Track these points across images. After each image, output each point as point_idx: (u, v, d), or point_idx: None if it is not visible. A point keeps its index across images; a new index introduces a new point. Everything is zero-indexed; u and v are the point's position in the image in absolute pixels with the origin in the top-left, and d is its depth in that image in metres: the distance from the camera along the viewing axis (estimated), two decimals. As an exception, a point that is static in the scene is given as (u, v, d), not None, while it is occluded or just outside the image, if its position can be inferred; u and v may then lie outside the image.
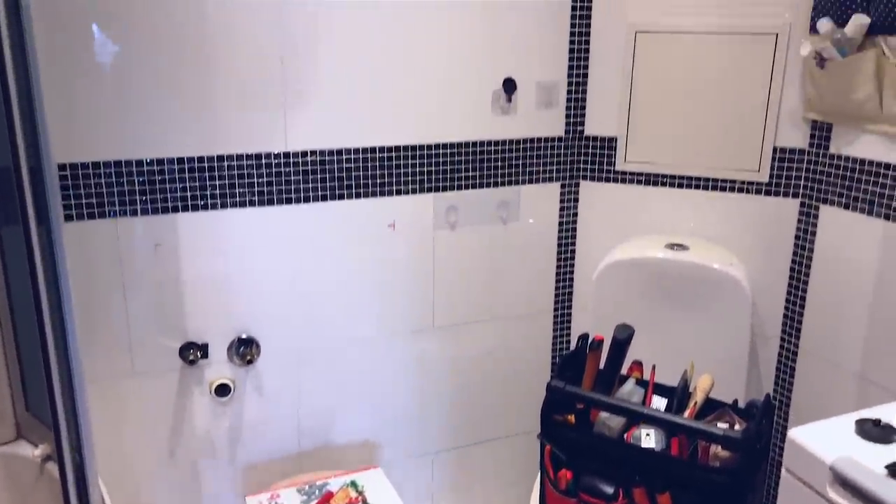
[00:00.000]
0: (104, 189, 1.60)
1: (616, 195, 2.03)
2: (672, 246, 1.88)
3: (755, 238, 1.91)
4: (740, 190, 1.89)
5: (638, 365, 1.73)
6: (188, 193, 1.67)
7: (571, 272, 2.13)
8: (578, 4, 1.91)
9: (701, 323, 1.85)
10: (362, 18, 1.72)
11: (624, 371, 1.68)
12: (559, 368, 1.65)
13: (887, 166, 1.61)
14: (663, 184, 1.97)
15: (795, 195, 1.84)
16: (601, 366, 1.65)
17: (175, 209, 1.67)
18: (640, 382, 1.68)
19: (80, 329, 1.62)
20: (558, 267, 2.11)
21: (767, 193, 1.87)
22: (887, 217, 1.62)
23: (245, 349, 1.80)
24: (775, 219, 1.87)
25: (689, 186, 1.94)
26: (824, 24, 1.59)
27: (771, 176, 1.85)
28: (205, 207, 1.69)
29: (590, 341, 1.65)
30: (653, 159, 1.96)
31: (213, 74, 1.62)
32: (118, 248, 1.64)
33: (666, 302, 1.88)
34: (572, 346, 2.13)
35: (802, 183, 1.82)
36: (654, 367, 1.68)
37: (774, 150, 1.83)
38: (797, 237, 1.86)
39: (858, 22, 1.54)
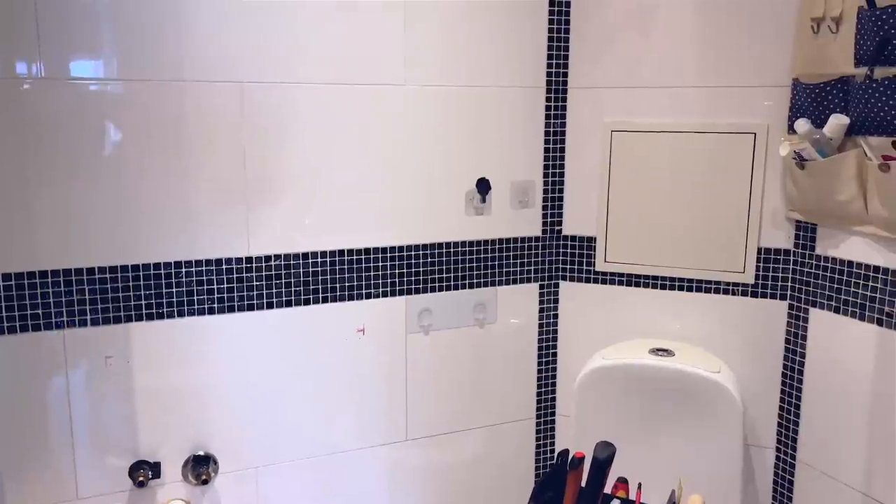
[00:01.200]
0: (50, 299, 1.51)
1: (597, 296, 1.95)
2: (656, 351, 1.79)
3: (743, 342, 1.82)
4: (725, 291, 1.82)
5: (623, 483, 1.60)
6: (142, 302, 1.58)
7: (553, 377, 2.02)
8: (553, 104, 1.88)
9: (690, 434, 1.74)
10: (330, 113, 1.68)
11: (608, 489, 1.56)
12: (538, 489, 1.53)
13: (876, 269, 1.53)
14: (645, 284, 1.89)
15: (783, 297, 1.76)
16: (583, 484, 1.52)
17: (128, 318, 1.57)
18: (626, 502, 1.55)
19: (18, 452, 1.52)
20: (539, 371, 2.01)
21: (754, 295, 1.79)
22: (879, 322, 1.53)
23: (201, 467, 1.67)
24: (763, 322, 1.79)
25: (671, 287, 1.87)
26: (802, 125, 1.55)
27: (757, 277, 1.78)
28: (160, 316, 1.60)
29: (570, 458, 1.53)
30: (633, 259, 1.89)
31: (168, 174, 1.56)
32: (64, 361, 1.53)
33: (652, 411, 1.77)
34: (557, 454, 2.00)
35: (790, 285, 1.75)
36: (639, 486, 1.56)
37: (759, 250, 1.76)
38: (787, 341, 1.77)
39: (837, 122, 1.50)
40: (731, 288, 1.81)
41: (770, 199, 1.74)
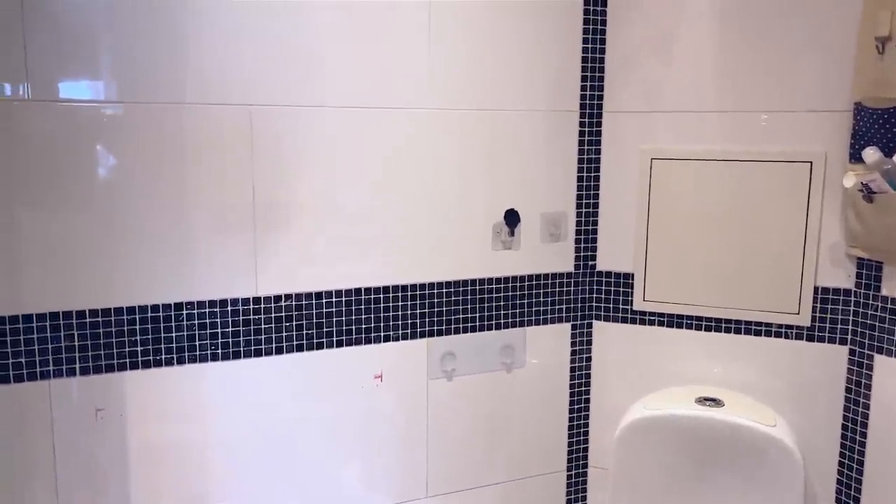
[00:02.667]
0: (35, 346, 1.35)
1: (634, 338, 1.78)
2: (704, 400, 1.63)
3: (797, 391, 1.65)
4: (777, 334, 1.66)
5: (673, 552, 1.44)
6: (138, 348, 1.42)
7: (586, 426, 1.85)
8: (587, 129, 1.73)
9: (742, 493, 1.57)
10: (346, 139, 1.53)
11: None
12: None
13: (955, 314, 1.38)
14: (688, 326, 1.73)
15: (843, 342, 1.60)
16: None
17: (122, 367, 1.42)
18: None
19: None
20: (571, 420, 1.84)
21: (810, 339, 1.63)
22: (960, 373, 1.37)
23: (201, 531, 1.50)
24: (820, 369, 1.63)
25: (717, 329, 1.71)
26: (871, 154, 1.40)
27: (813, 319, 1.62)
28: (158, 364, 1.44)
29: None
30: (675, 298, 1.73)
31: (168, 206, 1.41)
32: (50, 415, 1.37)
33: (700, 467, 1.60)
34: (588, 510, 1.84)
35: (850, 328, 1.59)
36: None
37: (816, 289, 1.61)
38: (848, 390, 1.60)
39: (911, 152, 1.35)
40: (784, 331, 1.65)
41: (828, 234, 1.58)
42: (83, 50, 1.32)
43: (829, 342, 1.61)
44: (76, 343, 1.38)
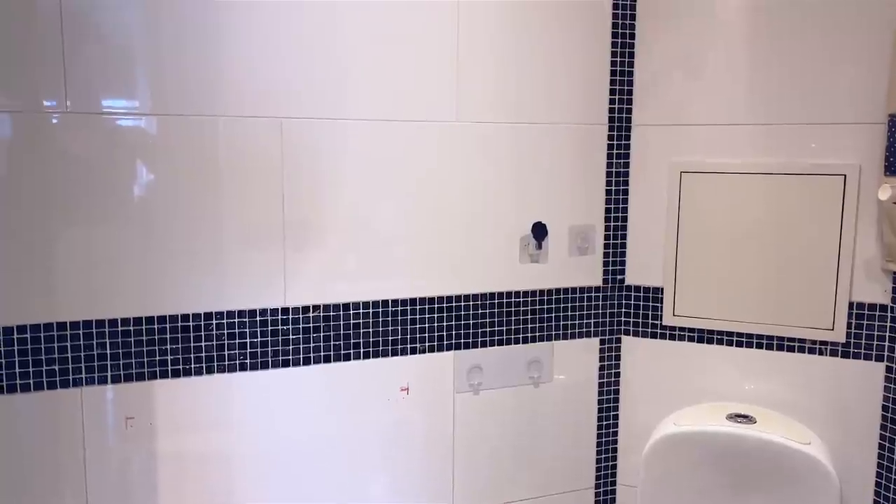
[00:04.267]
0: (69, 353, 1.37)
1: (664, 353, 1.76)
2: (735, 417, 1.60)
3: (832, 408, 1.61)
4: (811, 350, 1.62)
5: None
6: (168, 357, 1.43)
7: (615, 442, 1.83)
8: (616, 142, 1.73)
9: (776, 513, 1.54)
10: (376, 151, 1.54)
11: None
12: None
13: None
14: (718, 341, 1.70)
15: (879, 358, 1.56)
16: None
17: (152, 376, 1.43)
18: None
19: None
20: (599, 436, 1.81)
21: (845, 356, 1.59)
22: None
23: (227, 541, 1.51)
24: (856, 385, 1.59)
25: (748, 345, 1.68)
26: (907, 166, 1.38)
27: (848, 335, 1.58)
28: (188, 373, 1.45)
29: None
30: (705, 313, 1.71)
31: (199, 216, 1.43)
32: (81, 422, 1.39)
33: (731, 485, 1.57)
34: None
35: (887, 344, 1.55)
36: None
37: (850, 305, 1.57)
38: (885, 409, 1.56)
39: (948, 164, 1.33)
40: (818, 347, 1.62)
41: (863, 248, 1.55)
42: (120, 63, 1.35)
43: (864, 359, 1.58)
44: (108, 351, 1.39)
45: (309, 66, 1.47)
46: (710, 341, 1.71)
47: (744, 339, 1.68)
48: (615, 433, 1.83)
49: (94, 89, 1.33)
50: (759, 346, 1.67)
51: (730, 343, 1.69)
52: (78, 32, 1.31)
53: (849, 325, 1.58)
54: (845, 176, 1.55)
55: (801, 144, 1.59)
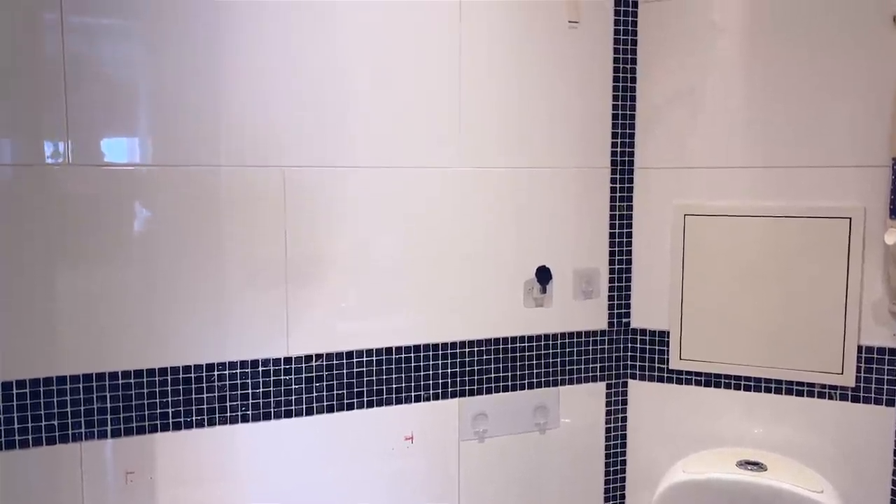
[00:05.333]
0: (68, 408, 1.35)
1: (671, 397, 1.74)
2: (745, 464, 1.57)
3: (842, 454, 1.59)
4: (821, 395, 1.60)
5: None
6: (169, 410, 1.41)
7: (622, 489, 1.80)
8: (618, 185, 1.72)
9: (790, 564, 1.50)
10: (379, 198, 1.54)
11: None
12: None
13: None
14: (726, 385, 1.68)
15: (890, 403, 1.54)
16: None
17: (153, 429, 1.41)
18: None
19: None
20: (607, 483, 1.78)
21: (854, 400, 1.57)
22: None
23: None
24: (866, 431, 1.56)
25: (756, 389, 1.66)
26: (913, 211, 1.37)
27: (857, 379, 1.56)
28: (188, 426, 1.43)
29: None
30: (712, 357, 1.69)
31: (201, 270, 1.42)
32: (81, 477, 1.36)
33: (743, 534, 1.54)
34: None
35: (898, 389, 1.54)
36: None
37: (859, 348, 1.56)
38: (898, 454, 1.54)
39: (955, 208, 1.32)
40: (827, 391, 1.60)
41: (871, 291, 1.54)
42: (122, 114, 1.35)
43: (875, 403, 1.56)
44: (108, 405, 1.37)
45: (311, 114, 1.47)
46: (717, 385, 1.69)
47: (752, 383, 1.66)
48: (623, 479, 1.80)
49: (95, 141, 1.33)
50: (768, 389, 1.65)
51: (738, 387, 1.67)
52: (79, 82, 1.31)
53: (858, 369, 1.56)
54: (851, 219, 1.54)
55: (805, 187, 1.59)
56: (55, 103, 1.30)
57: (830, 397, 1.59)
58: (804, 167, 1.59)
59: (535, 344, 1.69)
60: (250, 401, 1.47)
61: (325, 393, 1.53)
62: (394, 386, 1.58)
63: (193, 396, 1.43)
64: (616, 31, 1.69)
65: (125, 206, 1.36)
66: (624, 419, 1.79)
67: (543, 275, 1.68)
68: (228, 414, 1.46)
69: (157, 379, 1.40)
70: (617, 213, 1.73)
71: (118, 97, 1.34)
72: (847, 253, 1.55)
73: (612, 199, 1.73)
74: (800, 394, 1.62)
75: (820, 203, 1.57)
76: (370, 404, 1.56)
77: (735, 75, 1.63)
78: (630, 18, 1.70)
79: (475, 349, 1.64)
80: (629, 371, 1.78)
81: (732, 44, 1.64)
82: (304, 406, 1.51)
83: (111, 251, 1.36)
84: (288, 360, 1.49)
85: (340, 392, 1.54)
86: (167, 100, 1.37)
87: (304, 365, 1.50)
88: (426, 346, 1.60)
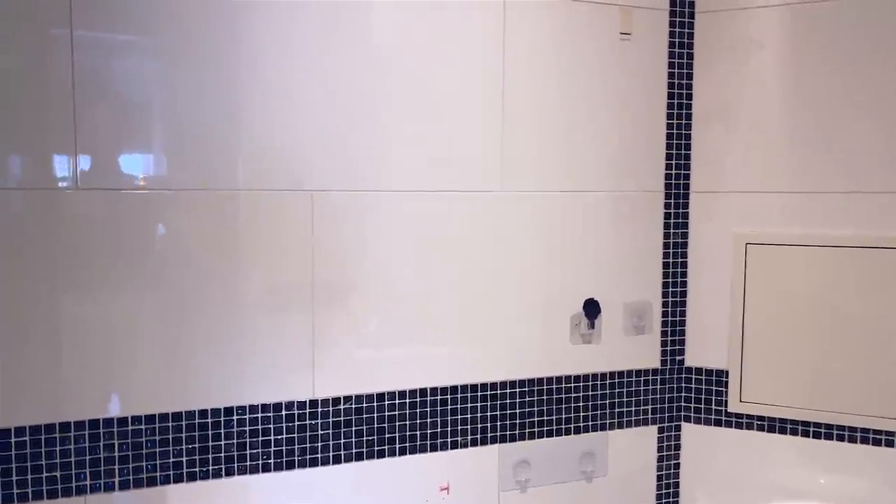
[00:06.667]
0: (72, 458, 1.21)
1: (729, 443, 1.59)
2: (817, 521, 1.42)
3: (926, 510, 1.44)
4: (893, 444, 1.45)
5: None
6: (183, 458, 1.28)
7: (676, 544, 1.65)
8: (673, 211, 1.59)
9: None
10: (412, 227, 1.41)
11: None
12: None
13: None
14: (792, 431, 1.53)
15: (980, 456, 1.39)
16: None
17: (165, 480, 1.27)
18: None
19: None
20: (658, 536, 1.64)
21: (938, 451, 1.42)
22: None
23: None
24: (954, 486, 1.42)
25: (826, 436, 1.51)
26: None
27: (942, 429, 1.42)
28: (204, 476, 1.30)
29: None
30: (776, 399, 1.54)
31: (221, 300, 1.29)
32: (85, 535, 1.23)
33: None
34: None
35: None
36: None
37: (945, 395, 1.41)
38: None
39: None
40: (905, 440, 1.45)
41: (959, 332, 1.39)
42: (135, 135, 1.23)
43: (962, 455, 1.41)
44: (116, 454, 1.24)
45: (344, 134, 1.34)
46: (782, 431, 1.54)
47: (822, 430, 1.51)
48: (676, 532, 1.65)
49: (106, 163, 1.21)
50: (839, 437, 1.50)
51: (805, 433, 1.53)
52: (90, 98, 1.19)
53: (943, 418, 1.42)
54: (934, 250, 1.40)
55: (879, 214, 1.44)
56: (64, 124, 1.18)
57: (910, 447, 1.44)
58: (873, 193, 1.45)
59: (581, 384, 1.55)
60: (272, 448, 1.34)
61: (353, 439, 1.39)
62: (428, 431, 1.44)
63: (210, 444, 1.30)
64: (671, 44, 1.56)
65: (137, 234, 1.24)
66: (677, 466, 1.64)
67: (591, 308, 1.54)
68: (248, 463, 1.32)
69: (170, 424, 1.27)
70: (671, 241, 1.60)
71: (131, 117, 1.22)
72: (930, 288, 1.41)
73: (667, 227, 1.59)
74: (876, 442, 1.47)
75: (893, 233, 1.43)
76: (403, 451, 1.43)
77: (806, 95, 1.49)
78: (686, 30, 1.57)
79: (517, 390, 1.50)
80: (683, 413, 1.63)
81: (804, 56, 1.50)
82: (330, 454, 1.37)
83: (121, 283, 1.23)
84: (314, 402, 1.36)
85: (370, 438, 1.40)
86: (183, 120, 1.25)
87: (331, 408, 1.37)
88: (463, 388, 1.47)
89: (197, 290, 1.27)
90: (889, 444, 1.46)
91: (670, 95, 1.57)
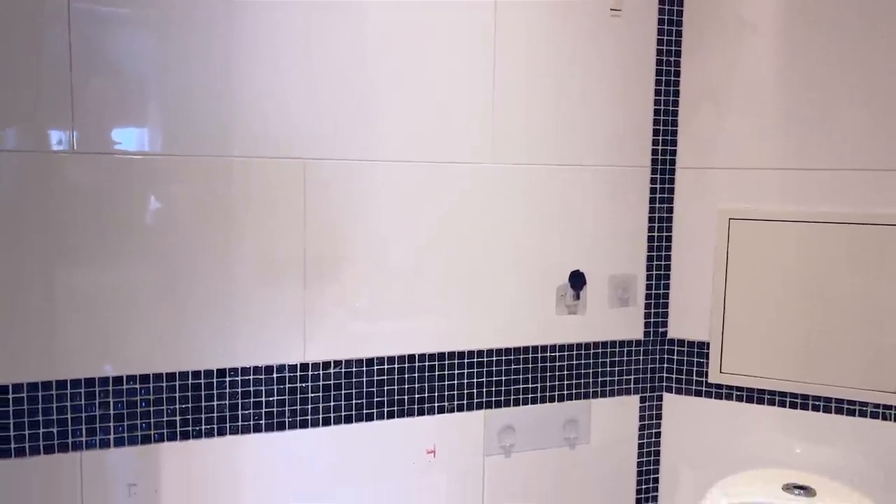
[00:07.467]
0: (68, 414, 1.25)
1: (709, 413, 1.63)
2: (792, 488, 1.46)
3: (895, 478, 1.49)
4: (874, 415, 1.49)
5: None
6: (176, 418, 1.31)
7: (655, 510, 1.70)
8: (659, 186, 1.62)
9: None
10: (405, 195, 1.44)
11: None
12: None
13: None
14: (769, 401, 1.58)
15: (951, 426, 1.44)
16: None
17: (158, 438, 1.31)
18: None
19: None
20: (638, 502, 1.68)
21: (912, 422, 1.47)
22: None
23: None
24: (925, 455, 1.46)
25: (805, 407, 1.55)
26: None
27: (916, 400, 1.46)
28: (197, 435, 1.33)
29: None
30: (756, 370, 1.58)
31: (215, 266, 1.32)
32: (80, 490, 1.27)
33: (789, 564, 1.43)
34: None
35: (960, 411, 1.43)
36: None
37: (919, 367, 1.45)
38: (958, 482, 1.43)
39: None
40: (881, 411, 1.49)
41: (933, 306, 1.43)
42: (131, 101, 1.25)
43: (935, 426, 1.45)
44: (111, 412, 1.28)
45: (337, 104, 1.37)
46: (760, 401, 1.59)
47: (798, 400, 1.55)
48: (655, 499, 1.69)
49: (102, 129, 1.23)
50: (816, 408, 1.54)
51: (782, 404, 1.57)
52: (86, 67, 1.21)
53: (916, 389, 1.46)
54: (912, 227, 1.43)
55: (862, 191, 1.48)
56: (60, 89, 1.20)
57: (885, 417, 1.48)
58: (857, 170, 1.48)
59: (566, 353, 1.59)
60: (263, 409, 1.37)
61: (342, 402, 1.43)
62: (416, 396, 1.48)
63: (203, 404, 1.33)
64: (661, 21, 1.58)
65: (132, 198, 1.26)
66: (658, 435, 1.68)
67: (577, 280, 1.58)
68: (240, 423, 1.36)
69: (164, 384, 1.30)
70: (657, 215, 1.63)
71: (125, 82, 1.24)
72: (907, 263, 1.45)
73: (652, 202, 1.62)
74: (850, 413, 1.51)
75: (877, 209, 1.46)
76: (391, 415, 1.46)
77: (783, 71, 1.52)
78: (676, 7, 1.59)
79: (503, 358, 1.54)
80: (665, 384, 1.67)
81: (788, 35, 1.52)
82: (320, 416, 1.41)
83: (116, 246, 1.26)
84: (304, 366, 1.39)
85: (360, 402, 1.44)
86: (177, 85, 1.27)
87: (321, 372, 1.40)
88: (451, 354, 1.50)
89: (190, 257, 1.30)
90: (863, 414, 1.50)
91: (658, 72, 1.60)
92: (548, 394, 1.58)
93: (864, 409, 1.50)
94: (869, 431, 1.50)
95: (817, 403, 1.54)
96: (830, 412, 1.53)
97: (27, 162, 1.20)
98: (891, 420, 1.48)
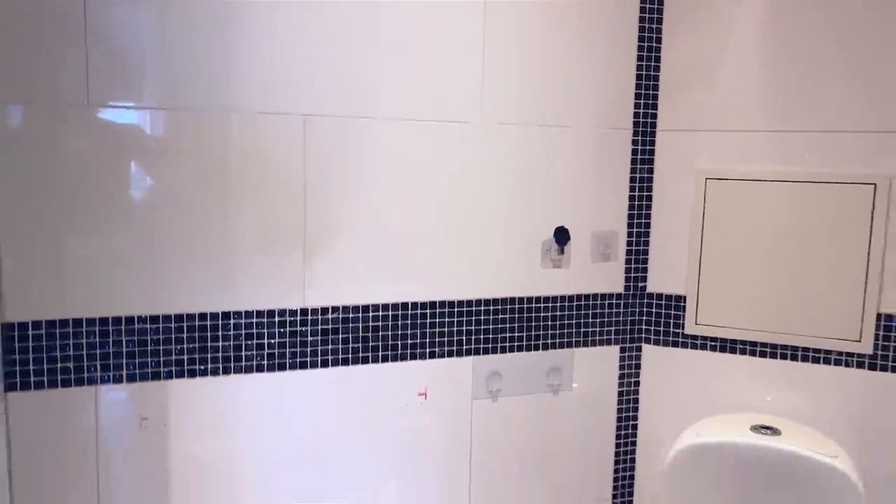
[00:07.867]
0: (83, 351, 1.34)
1: (685, 362, 1.73)
2: (759, 429, 1.57)
3: (858, 421, 1.58)
4: (837, 362, 1.59)
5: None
6: (185, 357, 1.41)
7: (633, 452, 1.80)
8: (640, 147, 1.70)
9: (801, 528, 1.50)
10: (400, 151, 1.52)
11: None
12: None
13: None
14: (741, 351, 1.68)
15: (907, 371, 1.54)
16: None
17: (168, 375, 1.40)
18: None
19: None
20: (618, 447, 1.78)
21: (872, 367, 1.56)
22: None
23: (240, 547, 1.47)
24: (883, 399, 1.56)
25: (773, 355, 1.65)
26: (943, 175, 1.35)
27: (875, 347, 1.55)
28: (204, 373, 1.42)
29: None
30: (729, 322, 1.68)
31: (218, 214, 1.40)
32: (97, 421, 1.36)
33: (754, 499, 1.54)
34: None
35: (916, 357, 1.53)
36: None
37: (878, 316, 1.55)
38: (914, 423, 1.54)
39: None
40: (844, 358, 1.59)
41: (893, 259, 1.53)
42: (126, 54, 1.32)
43: (892, 371, 1.55)
44: (123, 349, 1.37)
45: (336, 60, 1.44)
46: (732, 351, 1.68)
47: (767, 350, 1.65)
48: (634, 443, 1.80)
49: (105, 84, 1.31)
50: (784, 356, 1.64)
51: (753, 353, 1.67)
52: (92, 20, 1.29)
53: (876, 337, 1.55)
54: (875, 185, 1.53)
55: (830, 153, 1.57)
56: (76, 47, 1.28)
57: (847, 364, 1.59)
58: (829, 132, 1.56)
59: (550, 305, 1.68)
60: (265, 350, 1.46)
61: (339, 346, 1.52)
62: (409, 342, 1.57)
63: (209, 344, 1.42)
64: (645, -13, 1.66)
65: (133, 151, 1.34)
66: (637, 383, 1.78)
67: (562, 236, 1.67)
68: (243, 363, 1.45)
69: (172, 325, 1.39)
70: (638, 175, 1.72)
71: (122, 35, 1.32)
72: (871, 220, 1.54)
73: (633, 162, 1.71)
74: (816, 361, 1.61)
75: (844, 169, 1.56)
76: (385, 359, 1.56)
77: (764, 37, 1.61)
78: (658, -24, 1.67)
79: (490, 308, 1.63)
80: (643, 335, 1.77)
81: (760, 3, 1.61)
82: (318, 358, 1.50)
83: (125, 197, 1.34)
84: (304, 311, 1.48)
85: (356, 346, 1.53)
86: (179, 42, 1.34)
87: (319, 317, 1.49)
88: (441, 304, 1.59)
89: (197, 208, 1.38)
90: (828, 361, 1.60)
91: (641, 38, 1.68)
92: (533, 343, 1.68)
93: (829, 357, 1.60)
94: (833, 378, 1.60)
95: (785, 352, 1.64)
96: (797, 360, 1.63)
97: (36, 112, 1.27)
98: (852, 367, 1.58)
